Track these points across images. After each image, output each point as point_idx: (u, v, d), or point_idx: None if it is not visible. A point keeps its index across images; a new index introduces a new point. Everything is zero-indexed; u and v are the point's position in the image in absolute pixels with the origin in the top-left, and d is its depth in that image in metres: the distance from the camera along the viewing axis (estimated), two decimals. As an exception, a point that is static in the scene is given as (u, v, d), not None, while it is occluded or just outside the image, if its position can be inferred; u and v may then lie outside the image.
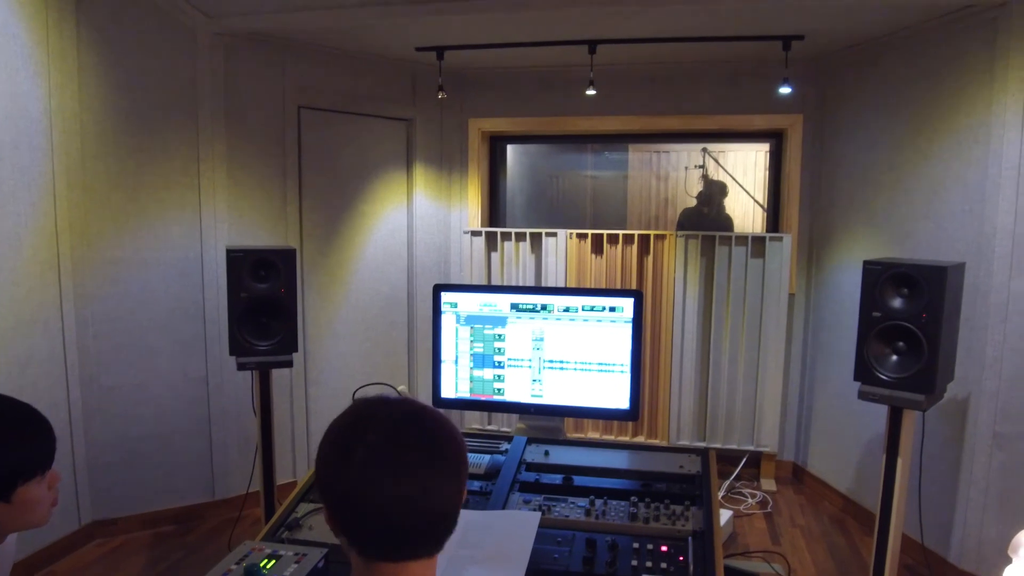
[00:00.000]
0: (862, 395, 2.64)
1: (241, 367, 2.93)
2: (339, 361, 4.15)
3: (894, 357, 2.62)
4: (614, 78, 4.14)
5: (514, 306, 2.47)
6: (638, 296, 2.44)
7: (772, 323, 4.02)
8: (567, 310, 2.46)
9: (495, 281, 4.37)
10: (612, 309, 2.45)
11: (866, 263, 2.67)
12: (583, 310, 2.47)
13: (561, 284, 4.22)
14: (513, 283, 4.32)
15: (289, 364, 2.96)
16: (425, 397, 4.48)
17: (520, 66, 4.32)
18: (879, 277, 2.62)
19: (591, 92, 3.71)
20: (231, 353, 2.91)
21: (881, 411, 3.01)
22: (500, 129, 4.52)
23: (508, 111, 4.42)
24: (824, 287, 4.04)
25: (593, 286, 4.19)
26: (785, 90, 3.53)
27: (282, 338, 2.94)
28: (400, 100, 4.28)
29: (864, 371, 2.65)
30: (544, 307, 2.47)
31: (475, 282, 4.34)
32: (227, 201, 3.60)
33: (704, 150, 5.88)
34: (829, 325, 3.97)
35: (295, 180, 3.86)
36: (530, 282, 4.31)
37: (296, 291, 2.97)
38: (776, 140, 4.32)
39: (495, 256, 4.39)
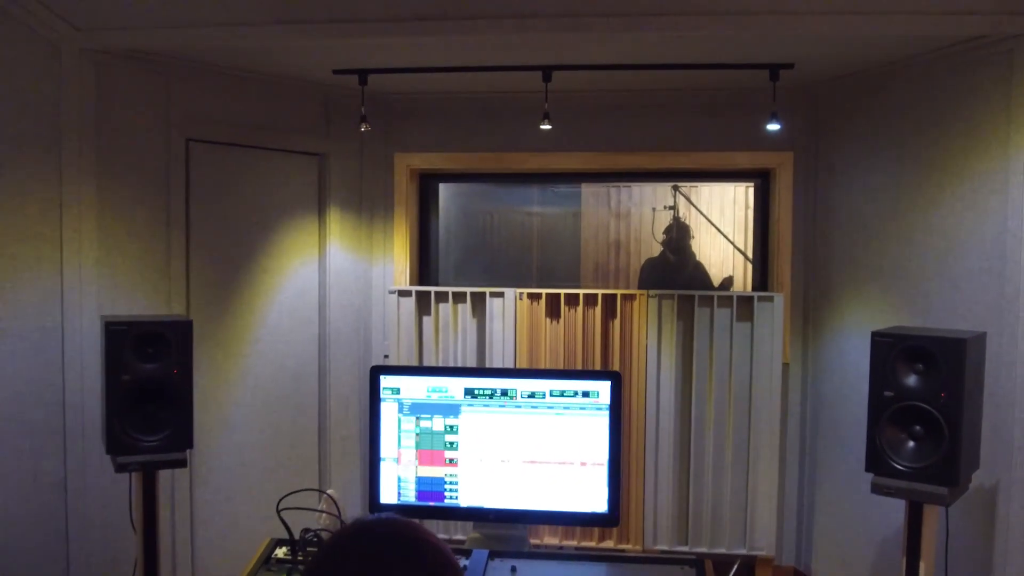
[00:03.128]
0: (876, 489, 2.83)
1: (121, 468, 2.94)
2: (233, 456, 4.16)
3: (911, 443, 2.83)
4: (572, 108, 4.35)
5: (469, 391, 2.59)
6: (615, 379, 2.59)
7: (764, 400, 4.22)
8: (532, 396, 2.59)
9: (428, 353, 4.47)
10: (585, 394, 2.60)
11: (875, 335, 2.89)
12: (551, 395, 2.60)
13: (510, 355, 4.34)
14: (450, 355, 4.43)
15: (182, 463, 2.99)
16: (353, 502, 4.52)
17: (458, 92, 4.50)
18: (890, 351, 2.84)
19: (546, 126, 3.89)
20: (109, 451, 2.93)
21: (897, 506, 3.18)
22: (433, 166, 4.68)
23: (443, 145, 4.59)
24: (824, 356, 4.28)
25: (549, 356, 4.33)
26: (774, 127, 3.78)
27: (173, 431, 2.97)
28: (312, 131, 4.39)
29: (877, 460, 2.86)
30: (504, 392, 2.59)
31: (403, 354, 4.43)
32: (96, 257, 3.62)
33: (675, 187, 6.17)
34: (831, 402, 4.20)
35: (181, 230, 3.91)
36: (471, 354, 4.43)
37: (192, 372, 3.02)
38: (762, 180, 4.60)
39: (428, 321, 4.50)
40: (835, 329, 4.19)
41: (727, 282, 6.18)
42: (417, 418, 2.60)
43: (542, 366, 4.35)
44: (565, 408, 2.61)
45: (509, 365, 4.36)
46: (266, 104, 4.21)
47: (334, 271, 4.49)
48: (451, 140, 4.58)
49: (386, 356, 4.55)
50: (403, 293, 4.49)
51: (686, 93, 4.38)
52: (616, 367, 4.33)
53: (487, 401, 2.59)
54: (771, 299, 4.21)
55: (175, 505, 3.94)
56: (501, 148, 4.54)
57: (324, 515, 2.62)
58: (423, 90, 4.48)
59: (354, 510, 4.49)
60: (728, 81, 4.15)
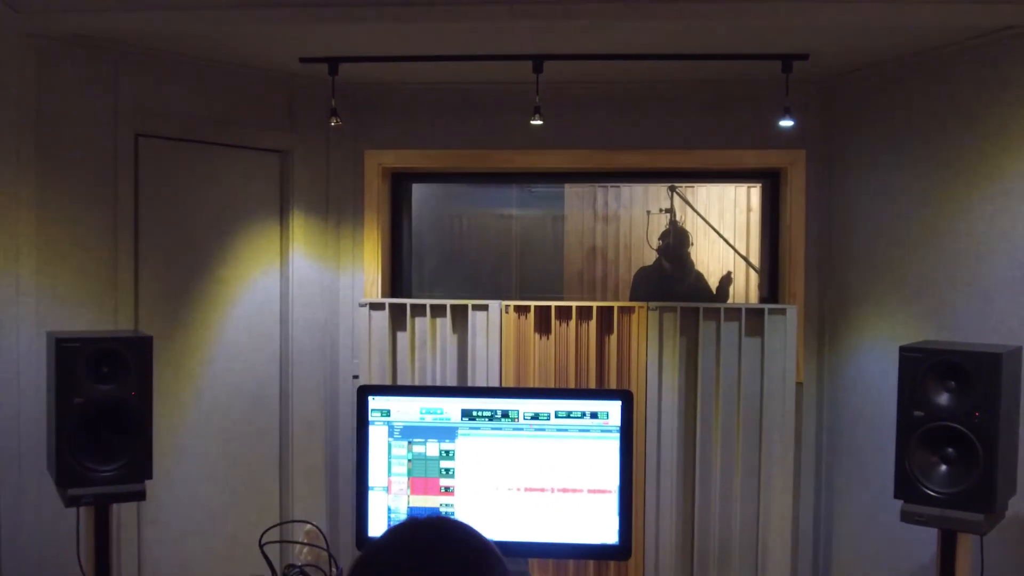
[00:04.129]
0: (907, 517, 2.94)
1: (72, 502, 2.97)
2: (185, 489, 4.18)
3: (943, 467, 2.95)
4: (562, 101, 4.42)
5: (466, 413, 2.67)
6: (627, 398, 2.68)
7: (776, 422, 4.31)
8: (536, 417, 2.67)
9: (403, 372, 4.52)
10: (594, 415, 2.68)
11: (903, 350, 3.00)
12: (556, 416, 2.68)
13: (495, 374, 4.41)
14: (427, 374, 4.48)
15: (140, 495, 3.03)
16: (334, 537, 4.53)
17: (437, 83, 4.57)
18: (919, 367, 2.95)
19: (537, 122, 3.97)
20: (59, 482, 2.96)
21: (923, 537, 3.28)
22: (407, 164, 4.74)
23: (418, 141, 4.65)
24: (841, 374, 4.39)
25: (538, 376, 4.40)
26: (786, 123, 3.90)
27: (131, 460, 3.01)
28: (274, 126, 4.45)
29: (907, 486, 2.96)
30: (505, 414, 2.67)
31: (375, 374, 4.48)
32: (35, 266, 3.64)
33: (671, 188, 6.27)
34: (850, 423, 4.31)
35: (129, 236, 3.95)
36: (451, 373, 4.48)
37: (151, 394, 3.06)
38: (771, 181, 4.73)
39: (402, 337, 4.55)
40: (854, 344, 4.29)
41: (726, 280, 6.25)
42: (409, 443, 2.68)
43: (531, 386, 4.43)
44: (572, 431, 2.69)
45: (494, 385, 4.43)
46: (224, 96, 4.26)
47: (297, 282, 4.54)
48: (426, 136, 4.65)
49: (355, 377, 4.59)
50: (375, 306, 4.54)
51: (689, 86, 4.49)
52: (613, 387, 4.42)
53: (486, 423, 2.67)
54: (783, 312, 4.31)
55: (121, 545, 3.93)
56: (484, 145, 4.61)
57: (307, 549, 2.67)
58: (397, 80, 4.55)
59: (321, 548, 4.52)
60: (736, 73, 4.26)
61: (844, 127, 4.38)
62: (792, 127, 3.95)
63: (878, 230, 4.14)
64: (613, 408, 2.71)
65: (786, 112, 3.90)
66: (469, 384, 4.45)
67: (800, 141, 4.43)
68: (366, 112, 4.64)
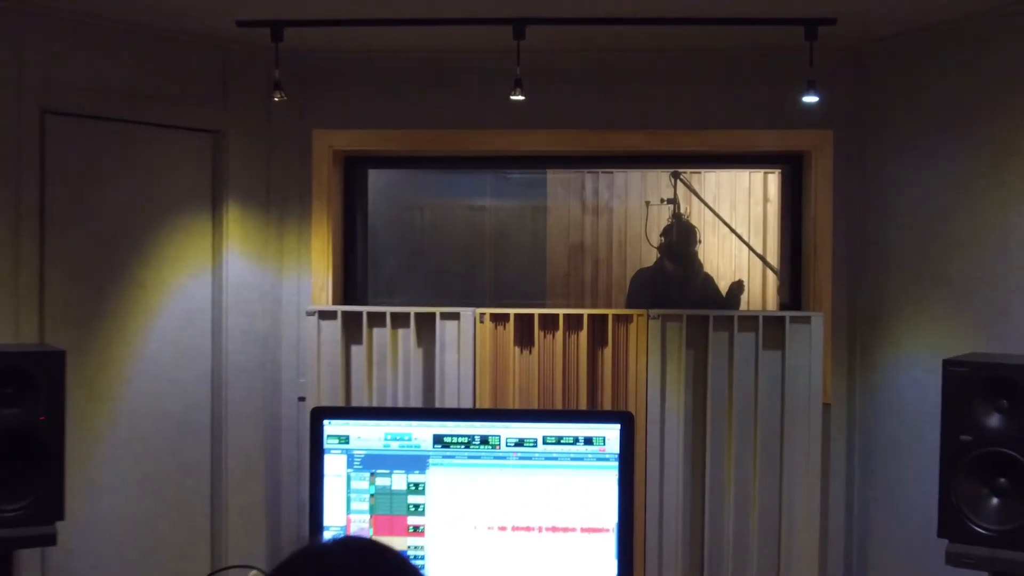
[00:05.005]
0: (953, 559, 2.98)
1: (-31, 548, 2.98)
2: (100, 533, 4.17)
3: (994, 500, 2.99)
4: (548, 73, 4.46)
5: (439, 440, 2.70)
6: (627, 421, 2.72)
7: (799, 450, 4.35)
8: (520, 444, 2.72)
9: (358, 393, 4.52)
10: (588, 441, 2.73)
11: (947, 364, 3.04)
12: (544, 443, 2.73)
13: (468, 395, 4.42)
14: (387, 395, 4.49)
15: (50, 540, 3.04)
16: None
17: (399, 51, 4.60)
18: (966, 384, 2.99)
19: (517, 97, 4.00)
20: (-46, 525, 2.96)
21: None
22: (363, 147, 4.77)
23: (377, 120, 4.68)
24: (876, 393, 4.42)
25: (519, 396, 4.41)
26: (811, 99, 3.94)
27: (39, 497, 3.02)
28: (206, 101, 4.46)
29: (952, 523, 3.01)
30: (484, 440, 2.71)
31: (325, 395, 4.46)
32: (-78, 267, 3.66)
33: (675, 174, 6.26)
34: (886, 451, 4.34)
35: (34, 231, 3.95)
36: (416, 393, 4.49)
37: (64, 419, 3.07)
38: (792, 167, 4.78)
39: (357, 352, 4.57)
40: (890, 358, 4.33)
41: (737, 288, 6.26)
42: (372, 474, 2.71)
43: (511, 408, 4.44)
44: (562, 459, 2.73)
45: (467, 406, 4.44)
46: (146, 66, 4.26)
47: (233, 286, 4.54)
48: (387, 114, 4.67)
49: (301, 399, 4.60)
50: (325, 314, 4.55)
51: (697, 55, 4.54)
52: (608, 409, 4.42)
53: (462, 451, 2.71)
54: (807, 320, 4.36)
55: (23, 600, 3.96)
56: (454, 124, 4.64)
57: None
58: (352, 48, 4.57)
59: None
60: (751, 41, 4.31)
61: (878, 103, 4.42)
62: (817, 103, 3.98)
63: (918, 224, 4.18)
64: (611, 433, 2.76)
65: (810, 86, 3.93)
66: (438, 405, 4.46)
67: (826, 120, 4.46)
68: (315, 86, 4.66)
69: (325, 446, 2.73)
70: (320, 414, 2.70)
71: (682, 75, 4.58)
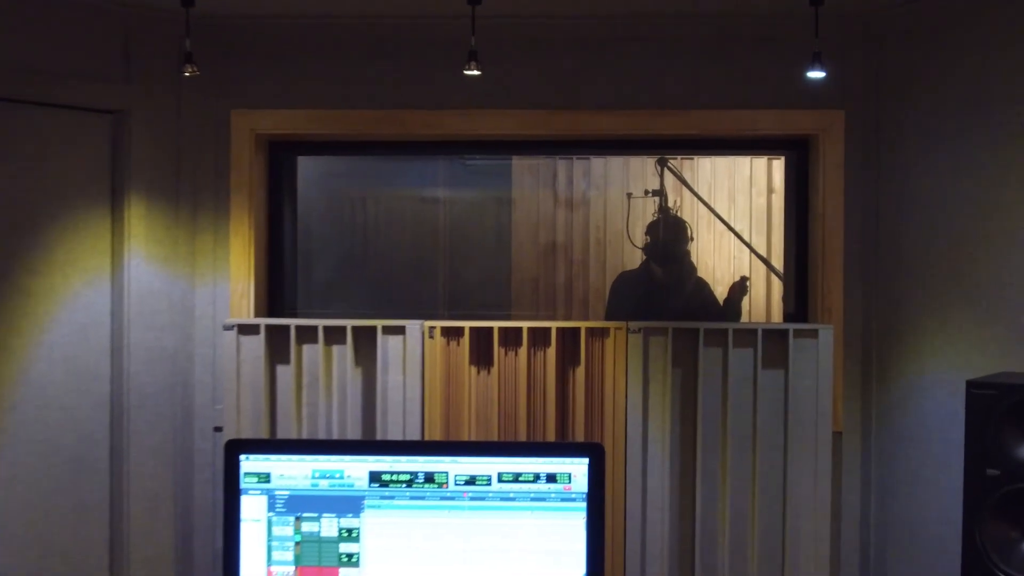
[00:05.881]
0: (979, 612, 3.00)
1: None
2: (-22, 587, 4.17)
3: (1024, 544, 3.02)
4: (511, 44, 4.48)
5: (376, 477, 2.71)
6: (596, 454, 2.74)
7: (804, 487, 4.35)
8: (471, 482, 2.73)
9: (285, 422, 4.52)
10: (551, 478, 2.75)
11: (971, 386, 3.04)
12: (500, 481, 2.75)
13: (415, 424, 4.41)
14: (319, 425, 4.48)
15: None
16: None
17: (334, 18, 4.58)
18: (994, 409, 3.01)
19: (472, 72, 4.00)
20: None
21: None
22: (291, 130, 4.75)
23: (307, 98, 4.67)
24: (895, 420, 4.42)
25: (476, 426, 4.41)
26: (816, 74, 3.93)
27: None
28: (103, 77, 4.43)
29: (977, 568, 3.02)
30: (430, 477, 2.73)
31: (246, 424, 4.47)
32: None
33: (661, 162, 6.24)
34: (907, 487, 4.33)
35: None
36: (353, 422, 4.49)
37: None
38: (798, 154, 4.80)
39: (284, 373, 4.57)
40: (912, 378, 4.32)
41: (738, 290, 6.18)
42: (298, 518, 2.72)
43: (466, 439, 4.44)
44: (521, 500, 2.75)
45: (414, 438, 4.43)
46: (32, 35, 4.23)
47: (136, 295, 4.51)
48: (320, 91, 4.66)
49: (218, 429, 4.59)
50: (245, 328, 4.55)
51: (686, 24, 4.53)
52: (580, 439, 4.43)
53: (403, 491, 2.72)
54: (814, 334, 4.36)
55: None
56: (399, 103, 4.64)
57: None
58: (277, 14, 4.55)
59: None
60: (748, 6, 4.32)
61: (896, 81, 4.44)
62: (823, 79, 3.96)
63: (943, 221, 4.18)
64: (577, 468, 2.78)
65: (815, 59, 3.89)
66: (378, 437, 4.45)
67: (837, 99, 4.49)
68: (234, 59, 4.65)
69: (242, 485, 2.73)
70: (236, 448, 2.71)
71: (669, 46, 4.58)
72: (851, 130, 4.55)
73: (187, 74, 4.06)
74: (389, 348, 4.51)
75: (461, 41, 3.94)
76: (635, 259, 6.37)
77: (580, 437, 4.45)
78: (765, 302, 6.58)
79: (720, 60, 4.58)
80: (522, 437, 4.42)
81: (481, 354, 4.52)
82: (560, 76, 4.63)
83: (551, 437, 4.41)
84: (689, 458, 4.46)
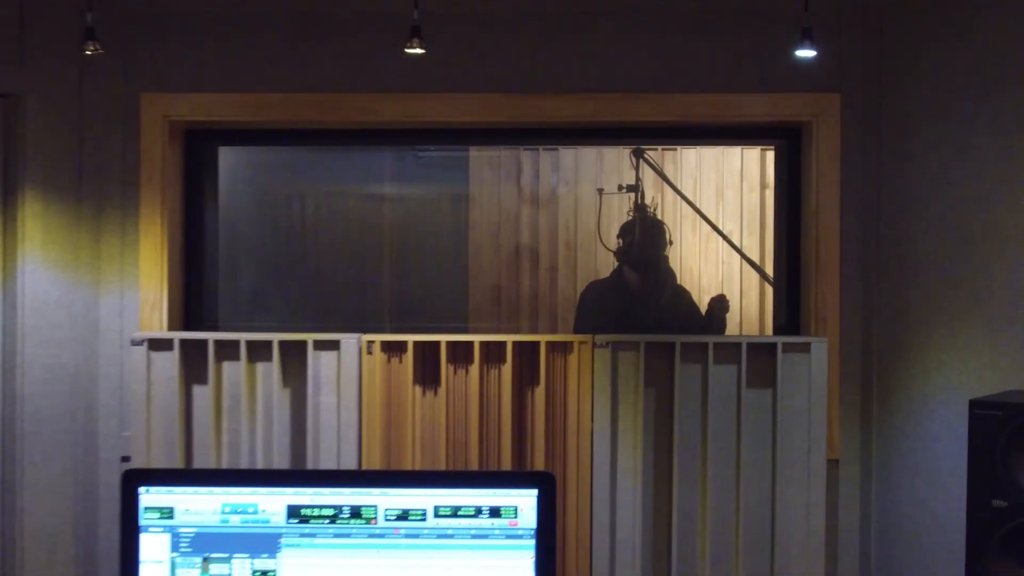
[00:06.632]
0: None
1: None
2: None
3: (1035, 583, 3.07)
4: (461, 19, 4.54)
5: (294, 512, 2.74)
6: (546, 485, 2.78)
7: (795, 520, 4.39)
8: (404, 517, 2.77)
9: (201, 450, 4.54)
10: (495, 512, 2.78)
11: (974, 406, 3.08)
12: (437, 516, 2.78)
13: (351, 453, 4.45)
14: (242, 453, 4.51)
15: None
16: None
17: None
18: (999, 432, 3.05)
19: (415, 51, 4.03)
20: None
21: None
22: (210, 116, 4.78)
23: (229, 80, 4.70)
24: (898, 444, 4.46)
25: (421, 454, 4.45)
26: (806, 52, 3.95)
27: None
28: (-9, 54, 4.46)
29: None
30: (356, 513, 2.76)
31: (157, 453, 4.49)
32: None
33: (637, 153, 6.23)
34: (911, 520, 4.36)
35: None
36: (281, 450, 4.52)
37: None
38: (789, 143, 4.85)
39: (202, 393, 4.59)
40: (917, 398, 4.35)
41: (717, 306, 6.17)
42: (205, 559, 2.74)
43: (403, 469, 4.46)
44: (461, 537, 2.79)
45: (350, 467, 4.45)
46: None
47: (31, 306, 4.53)
48: (243, 72, 4.70)
49: (125, 459, 4.61)
50: (157, 344, 4.56)
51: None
52: (540, 468, 4.48)
53: (326, 528, 2.74)
54: (807, 348, 4.40)
55: None
56: (334, 85, 4.68)
57: None
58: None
59: None
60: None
61: (899, 59, 4.48)
62: (815, 58, 3.99)
63: (952, 220, 4.21)
64: (525, 501, 2.83)
65: (805, 35, 3.91)
66: (309, 467, 4.46)
67: (833, 82, 4.55)
68: (144, 36, 4.67)
69: (141, 522, 2.77)
70: (134, 479, 2.74)
71: (641, 22, 4.63)
72: (848, 116, 4.58)
73: (88, 52, 4.06)
74: (322, 365, 4.54)
75: (402, 15, 3.93)
76: (611, 264, 6.34)
77: (540, 466, 4.48)
78: (758, 313, 6.59)
79: (701, 37, 4.62)
80: (474, 466, 4.45)
81: (427, 372, 4.55)
82: (519, 55, 4.67)
83: (507, 466, 4.43)
84: (664, 490, 4.48)
